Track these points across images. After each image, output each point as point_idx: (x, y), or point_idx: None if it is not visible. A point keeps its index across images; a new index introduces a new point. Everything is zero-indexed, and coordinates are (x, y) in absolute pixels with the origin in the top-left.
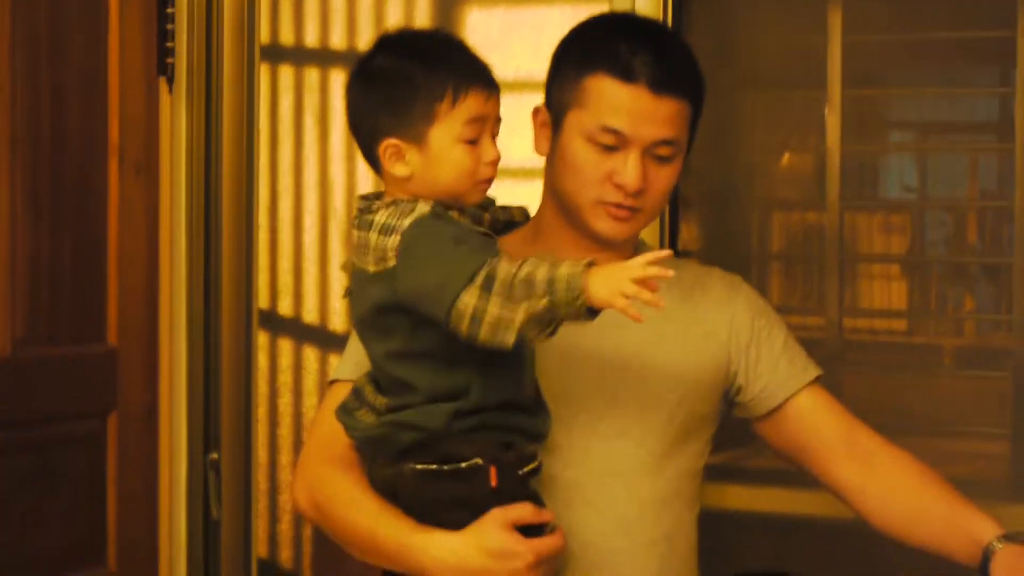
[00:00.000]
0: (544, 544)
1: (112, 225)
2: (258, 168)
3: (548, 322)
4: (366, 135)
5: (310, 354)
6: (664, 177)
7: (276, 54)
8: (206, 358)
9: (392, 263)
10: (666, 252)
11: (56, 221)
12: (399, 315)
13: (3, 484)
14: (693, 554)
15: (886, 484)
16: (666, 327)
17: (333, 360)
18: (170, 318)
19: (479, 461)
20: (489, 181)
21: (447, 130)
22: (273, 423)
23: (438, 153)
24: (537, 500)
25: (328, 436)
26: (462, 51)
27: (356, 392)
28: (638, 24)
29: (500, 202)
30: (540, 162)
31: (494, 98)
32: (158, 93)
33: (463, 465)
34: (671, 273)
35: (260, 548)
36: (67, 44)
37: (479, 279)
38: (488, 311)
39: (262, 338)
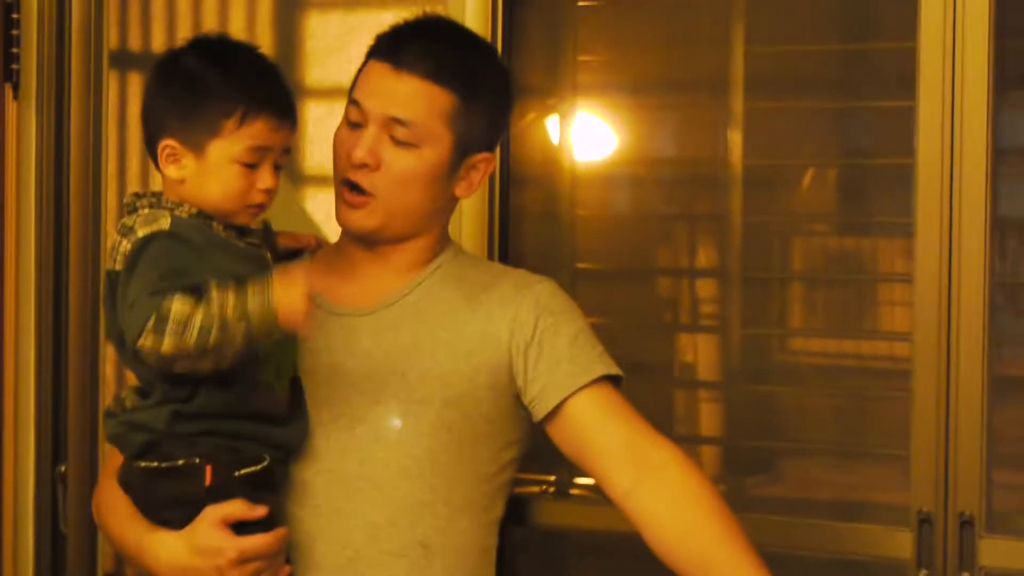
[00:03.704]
0: (249, 542)
1: None
2: (106, 177)
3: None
4: (150, 129)
5: None
6: (402, 163)
7: (124, 60)
8: (55, 369)
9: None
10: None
11: None
12: None
13: None
14: (474, 563)
15: (664, 503)
16: (441, 331)
17: None
18: (15, 329)
19: (196, 460)
20: (260, 207)
21: (227, 148)
22: None
23: (213, 167)
24: (265, 500)
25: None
26: (268, 74)
27: (117, 397)
28: (426, 18)
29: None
30: None
31: (285, 130)
32: (4, 100)
33: (180, 463)
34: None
35: (106, 562)
36: None
37: (149, 324)
38: (164, 348)
39: (109, 349)
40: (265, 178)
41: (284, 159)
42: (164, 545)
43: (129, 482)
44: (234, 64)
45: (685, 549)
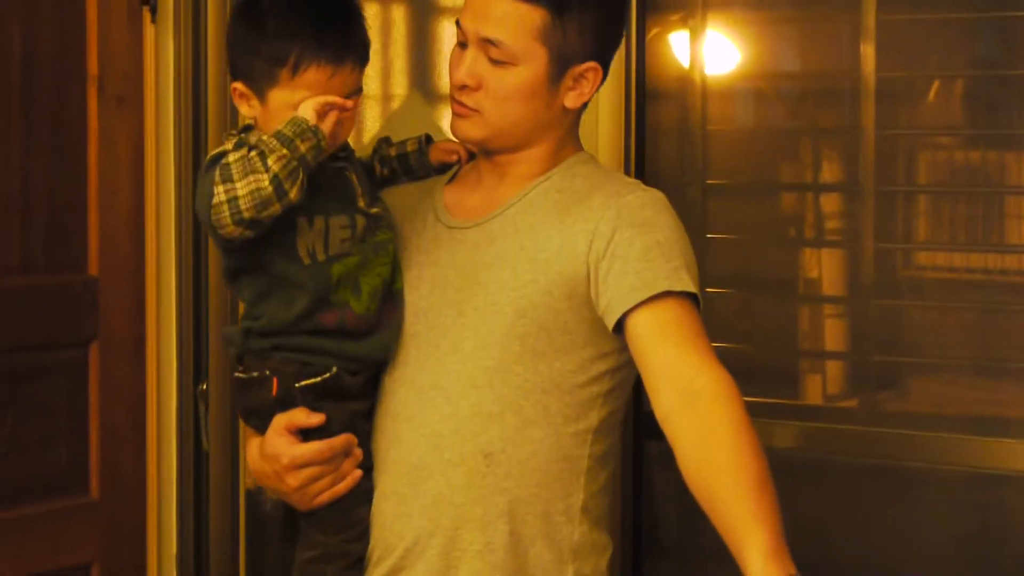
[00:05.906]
0: (300, 449)
1: (92, 156)
2: None
3: (296, 165)
4: (230, 66)
5: None
6: (500, 81)
7: None
8: (195, 288)
9: None
10: None
11: (29, 150)
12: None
13: None
14: (551, 472)
15: (689, 431)
16: (527, 242)
17: None
18: (157, 248)
19: (266, 372)
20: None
21: (285, 97)
22: None
23: (274, 113)
24: (328, 409)
25: None
26: (331, 15)
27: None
28: None
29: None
30: None
31: (343, 75)
32: (141, 23)
33: (255, 375)
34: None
35: (248, 478)
36: None
37: (216, 176)
38: (238, 191)
39: None
40: (329, 121)
41: (355, 98)
42: (250, 450)
43: (232, 391)
44: (297, 9)
45: (698, 479)
